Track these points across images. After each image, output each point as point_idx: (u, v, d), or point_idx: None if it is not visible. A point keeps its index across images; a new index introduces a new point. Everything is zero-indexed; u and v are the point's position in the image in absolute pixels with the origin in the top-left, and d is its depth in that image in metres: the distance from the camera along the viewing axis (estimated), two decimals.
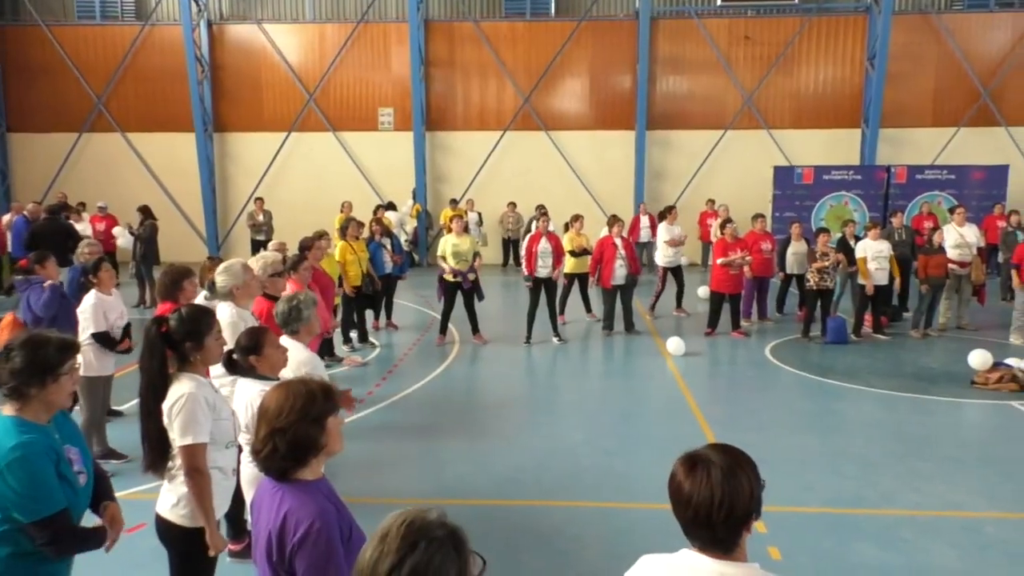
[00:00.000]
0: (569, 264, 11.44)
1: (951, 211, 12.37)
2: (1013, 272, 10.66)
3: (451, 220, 10.86)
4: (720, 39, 18.62)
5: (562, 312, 11.68)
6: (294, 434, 2.21)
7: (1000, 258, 12.70)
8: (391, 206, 17.25)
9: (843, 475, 6.09)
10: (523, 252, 11.18)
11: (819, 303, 10.91)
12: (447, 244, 10.34)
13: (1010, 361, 8.75)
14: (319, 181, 19.14)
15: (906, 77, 18.16)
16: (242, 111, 19.33)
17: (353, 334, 10.55)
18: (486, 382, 9.20)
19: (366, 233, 10.96)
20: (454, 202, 18.23)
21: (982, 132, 18.22)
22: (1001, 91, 18.14)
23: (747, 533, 1.82)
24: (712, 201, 17.13)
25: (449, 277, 10.25)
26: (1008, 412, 7.74)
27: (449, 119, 19.28)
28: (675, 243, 12.50)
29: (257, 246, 15.69)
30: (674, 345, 9.97)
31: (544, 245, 10.61)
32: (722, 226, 11.47)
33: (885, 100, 17.70)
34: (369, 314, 11.09)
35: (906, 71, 18.13)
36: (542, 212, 13.55)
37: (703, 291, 13.13)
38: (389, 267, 11.06)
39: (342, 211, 15.14)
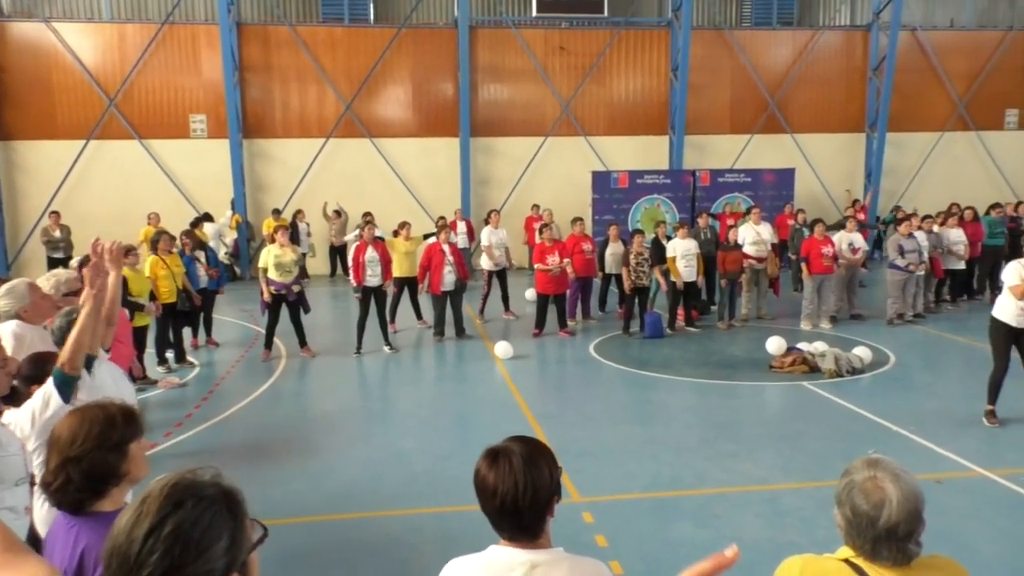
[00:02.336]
0: (397, 269, 11.41)
1: (747, 211, 13.50)
2: (802, 265, 11.82)
3: (275, 231, 10.50)
4: (537, 49, 19.26)
5: (392, 320, 11.61)
6: (90, 463, 2.06)
7: (790, 252, 14.02)
8: (207, 217, 16.38)
9: (661, 460, 6.50)
10: (350, 262, 11.02)
11: (636, 300, 11.56)
12: (268, 256, 9.99)
13: (801, 345, 9.69)
14: (125, 192, 17.83)
15: (706, 88, 19.63)
16: (31, 117, 17.62)
17: (169, 354, 9.94)
18: (316, 396, 8.97)
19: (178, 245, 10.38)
20: (277, 212, 17.61)
21: (772, 139, 20.04)
22: (786, 101, 20.04)
23: (550, 517, 1.93)
24: (537, 206, 17.67)
25: (267, 296, 9.92)
26: (800, 391, 8.57)
27: (268, 126, 18.62)
28: (490, 251, 12.77)
29: (54, 263, 14.39)
30: (502, 349, 10.19)
31: (371, 254, 10.50)
32: (540, 231, 11.86)
33: (689, 109, 19.05)
34: (187, 332, 10.50)
35: (706, 82, 19.59)
36: (368, 220, 13.40)
37: (530, 293, 13.52)
38: (204, 281, 10.55)
39: (149, 223, 14.16)
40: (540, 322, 11.50)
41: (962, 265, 13.01)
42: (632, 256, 11.33)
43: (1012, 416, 7.32)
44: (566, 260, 11.35)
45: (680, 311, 11.88)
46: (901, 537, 1.82)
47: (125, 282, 7.76)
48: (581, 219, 12.62)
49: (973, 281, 13.97)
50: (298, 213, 17.68)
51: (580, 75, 19.43)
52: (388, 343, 10.72)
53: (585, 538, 5.03)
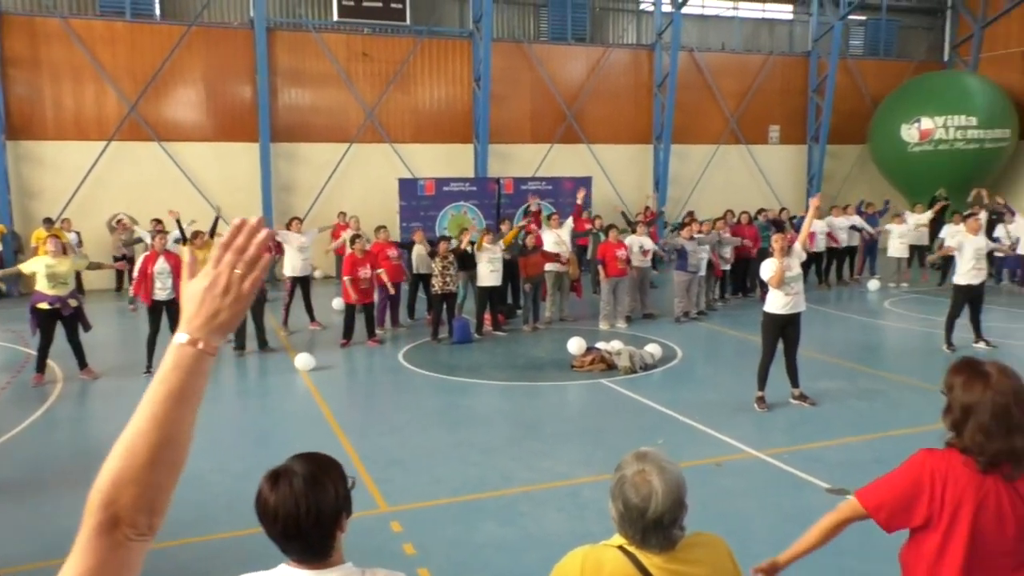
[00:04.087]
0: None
1: (548, 217, 14.04)
2: (599, 267, 12.49)
3: (45, 241, 9.52)
4: (339, 54, 18.92)
5: None
6: None
7: (588, 255, 14.79)
8: None
9: (468, 463, 6.60)
10: (136, 273, 10.22)
11: (444, 306, 11.67)
12: (38, 264, 9.06)
13: (599, 345, 10.22)
14: None
15: (508, 98, 20.22)
16: None
17: None
18: (99, 421, 8.24)
19: None
20: (48, 221, 15.93)
21: (570, 148, 21.01)
22: (582, 113, 21.10)
23: (341, 533, 1.89)
24: (343, 213, 17.34)
25: (44, 305, 8.99)
26: (599, 388, 9.05)
27: (37, 127, 16.86)
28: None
29: None
30: (302, 361, 9.89)
31: (162, 265, 9.81)
32: (352, 241, 11.67)
33: (492, 118, 19.53)
34: None
35: (507, 93, 20.18)
36: (159, 229, 12.52)
37: (337, 303, 13.24)
38: None
39: None
40: (348, 332, 11.29)
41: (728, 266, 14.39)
42: (438, 262, 11.43)
43: (779, 401, 8.16)
44: (379, 270, 11.30)
45: (487, 316, 12.13)
46: (666, 525, 1.96)
47: None
48: (385, 227, 12.57)
49: (746, 280, 15.42)
50: (64, 221, 16.11)
51: (384, 82, 19.32)
52: None
53: (393, 548, 5.00)
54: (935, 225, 17.31)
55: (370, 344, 11.32)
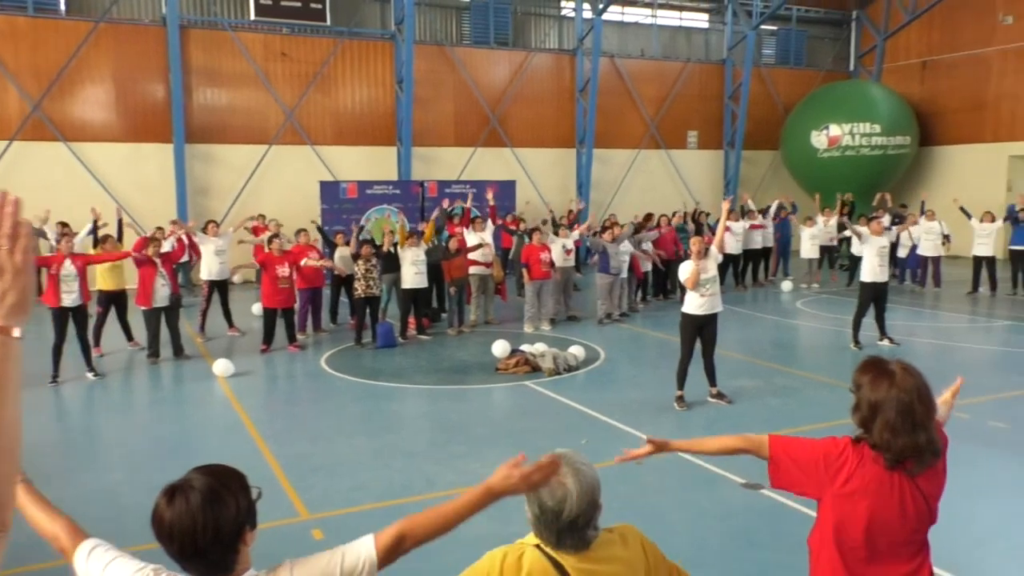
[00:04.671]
0: (102, 283, 10.34)
1: (473, 220, 14.05)
2: (524, 270, 12.56)
3: None
4: (257, 54, 18.51)
5: (97, 343, 10.51)
6: None
7: (511, 256, 14.89)
8: None
9: (393, 468, 6.55)
10: (44, 279, 9.75)
11: (368, 310, 11.53)
12: None
13: (524, 347, 10.28)
14: None
15: (431, 101, 20.16)
16: None
17: None
18: None
19: None
20: None
21: (494, 152, 21.10)
22: (506, 117, 21.21)
23: (245, 547, 1.81)
24: (263, 216, 16.94)
25: None
26: (524, 391, 9.10)
27: None
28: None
29: None
30: (221, 367, 9.63)
31: (68, 268, 9.37)
32: (268, 241, 11.43)
33: (415, 121, 19.43)
34: None
35: (431, 96, 20.12)
36: (64, 231, 11.98)
37: (257, 308, 12.94)
38: None
39: None
40: (268, 337, 11.05)
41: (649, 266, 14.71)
42: (361, 264, 11.30)
43: (697, 400, 8.37)
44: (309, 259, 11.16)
45: (411, 319, 12.06)
46: (580, 527, 1.99)
47: None
48: (305, 230, 12.35)
49: (667, 282, 15.77)
50: None
51: (304, 83, 19.00)
52: (91, 368, 9.63)
53: None
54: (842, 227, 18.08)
55: (291, 349, 11.10)
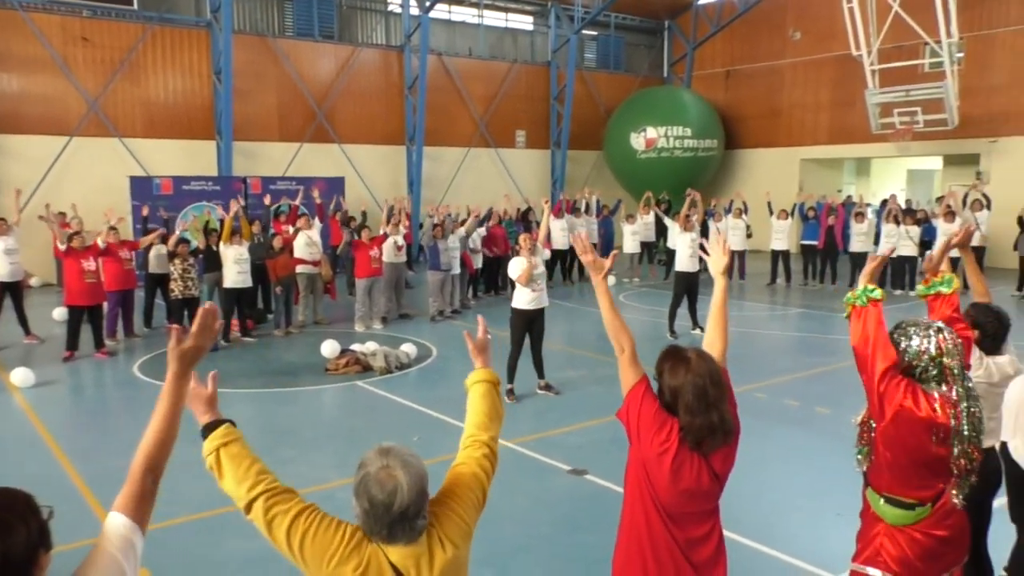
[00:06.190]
0: None
1: (299, 218, 13.64)
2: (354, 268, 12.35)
3: None
4: (54, 37, 16.94)
5: None
6: None
7: (339, 253, 14.61)
8: None
9: (211, 478, 6.20)
10: None
11: (186, 312, 10.90)
12: None
13: (354, 346, 10.12)
14: None
15: (252, 94, 19.33)
16: None
17: None
18: None
19: None
20: None
21: (321, 148, 20.56)
22: (333, 112, 20.73)
23: (41, 571, 1.64)
24: (63, 214, 15.53)
25: None
26: (355, 391, 8.97)
27: None
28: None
29: None
30: (20, 376, 8.79)
31: None
32: (69, 239, 10.51)
33: (236, 115, 18.53)
34: None
35: (252, 88, 19.28)
36: None
37: (59, 312, 11.90)
38: None
39: None
40: (72, 342, 10.17)
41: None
42: (178, 263, 10.67)
43: (527, 392, 8.61)
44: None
45: (235, 321, 11.53)
46: (411, 516, 2.01)
47: None
48: (115, 228, 11.46)
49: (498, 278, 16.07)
50: None
51: (110, 71, 17.61)
52: None
53: None
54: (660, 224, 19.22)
55: (98, 356, 10.29)
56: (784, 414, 7.95)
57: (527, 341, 8.56)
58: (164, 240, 11.74)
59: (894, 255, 14.86)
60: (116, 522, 1.80)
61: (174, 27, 18.43)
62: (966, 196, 16.00)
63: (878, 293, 3.03)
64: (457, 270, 13.49)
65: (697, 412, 2.52)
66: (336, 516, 2.11)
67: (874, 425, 2.97)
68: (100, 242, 10.57)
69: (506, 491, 6.01)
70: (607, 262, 3.07)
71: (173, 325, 1.98)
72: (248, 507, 2.11)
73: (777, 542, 5.11)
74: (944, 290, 3.11)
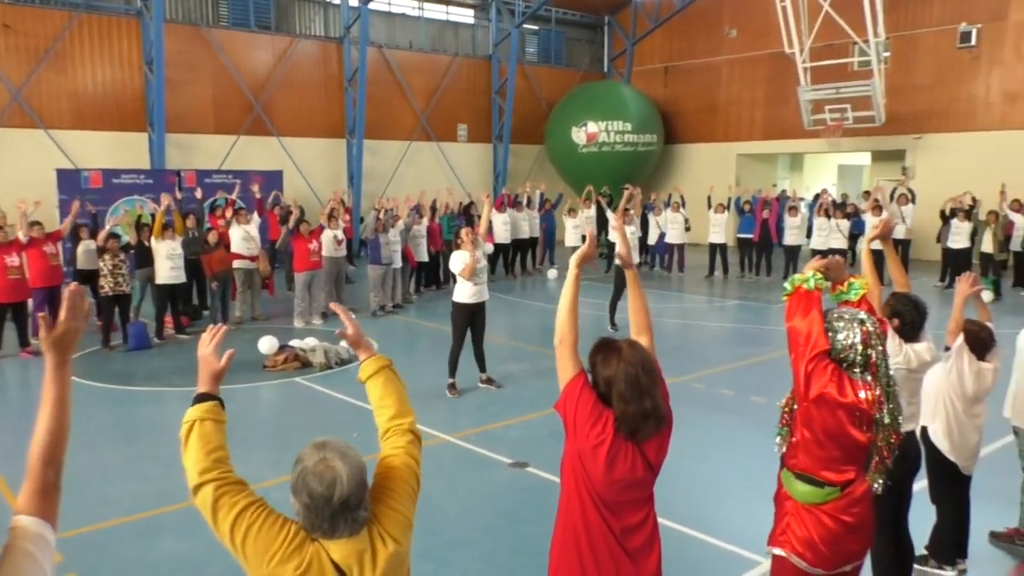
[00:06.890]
0: None
1: (236, 212, 13.35)
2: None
3: None
4: None
5: None
6: None
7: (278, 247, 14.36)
8: None
9: (146, 478, 6.09)
10: None
11: (117, 309, 10.58)
12: None
13: (293, 343, 9.97)
14: None
15: (186, 85, 18.81)
16: None
17: None
18: None
19: None
20: None
21: (259, 141, 20.14)
22: (271, 105, 20.32)
23: None
24: None
25: None
26: (293, 387, 8.84)
27: None
28: None
29: None
30: None
31: None
32: None
33: (169, 106, 18.01)
34: None
35: (186, 79, 18.77)
36: None
37: None
38: None
39: None
40: None
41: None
42: (108, 259, 10.35)
43: (469, 386, 8.61)
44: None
45: (168, 318, 11.24)
46: (353, 507, 2.00)
47: None
48: (40, 223, 11.04)
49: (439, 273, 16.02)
50: None
51: (34, 59, 16.93)
52: None
53: None
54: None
55: (23, 356, 9.92)
56: (720, 403, 8.13)
57: (469, 335, 8.56)
58: (93, 235, 11.37)
59: (825, 247, 15.30)
60: (22, 523, 1.74)
61: (102, 15, 17.81)
62: (894, 191, 16.59)
63: (825, 284, 3.14)
64: (399, 264, 13.40)
65: (630, 400, 2.57)
66: (283, 514, 2.08)
67: (795, 407, 3.06)
68: (22, 236, 10.18)
69: (448, 485, 6.02)
70: (588, 249, 3.30)
71: (40, 315, 1.90)
72: (196, 489, 2.08)
73: (711, 527, 5.23)
74: (851, 298, 3.21)
